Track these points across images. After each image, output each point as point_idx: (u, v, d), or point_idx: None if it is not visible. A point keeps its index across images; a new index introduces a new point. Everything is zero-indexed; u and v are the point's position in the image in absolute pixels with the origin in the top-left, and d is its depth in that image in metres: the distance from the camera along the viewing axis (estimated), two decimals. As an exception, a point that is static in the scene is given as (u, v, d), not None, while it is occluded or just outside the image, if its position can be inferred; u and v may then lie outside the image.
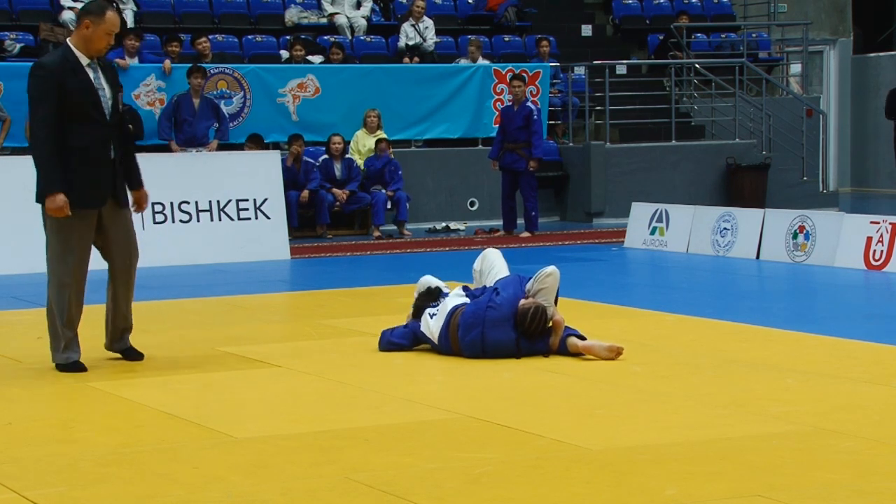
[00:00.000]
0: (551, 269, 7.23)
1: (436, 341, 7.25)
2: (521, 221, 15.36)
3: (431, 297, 7.52)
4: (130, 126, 14.33)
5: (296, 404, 6.27)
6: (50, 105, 6.81)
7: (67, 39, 7.09)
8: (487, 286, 7.38)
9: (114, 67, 7.32)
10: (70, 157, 6.86)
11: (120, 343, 7.27)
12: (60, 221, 6.87)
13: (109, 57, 14.89)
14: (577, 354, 7.11)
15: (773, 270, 11.88)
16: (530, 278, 7.24)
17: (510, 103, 15.31)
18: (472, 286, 7.63)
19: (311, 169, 15.21)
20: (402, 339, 7.43)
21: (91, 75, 6.93)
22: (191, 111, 14.80)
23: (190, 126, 14.78)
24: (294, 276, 12.28)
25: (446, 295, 7.46)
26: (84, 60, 6.93)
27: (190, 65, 15.10)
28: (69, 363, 6.97)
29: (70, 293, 6.95)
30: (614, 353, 7.03)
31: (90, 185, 6.93)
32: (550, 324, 7.16)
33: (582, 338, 7.17)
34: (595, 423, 5.68)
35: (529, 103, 15.18)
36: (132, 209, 7.24)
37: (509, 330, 7.06)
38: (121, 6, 16.36)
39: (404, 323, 7.59)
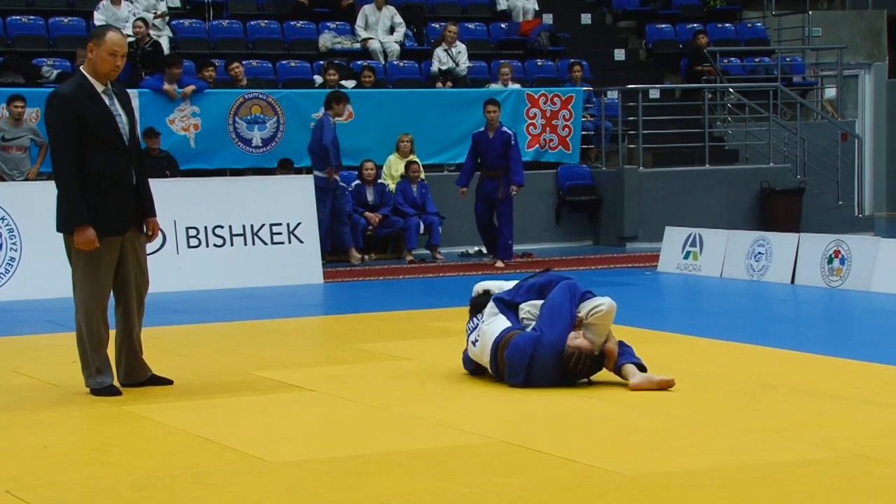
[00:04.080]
0: (607, 306, 6.90)
1: (488, 367, 7.16)
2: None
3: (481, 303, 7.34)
4: (168, 172, 14.44)
5: (329, 428, 6.27)
6: (69, 134, 6.81)
7: (80, 67, 7.08)
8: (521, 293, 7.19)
9: (126, 93, 7.30)
10: (94, 184, 6.86)
11: (138, 373, 7.17)
12: (89, 251, 6.87)
13: (148, 83, 15.16)
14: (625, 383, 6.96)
15: (808, 295, 11.80)
16: (583, 293, 6.98)
17: (484, 130, 14.58)
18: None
19: (343, 192, 15.25)
20: (466, 366, 7.39)
21: (107, 101, 6.94)
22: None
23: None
24: (327, 300, 12.30)
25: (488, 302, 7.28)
26: (99, 87, 6.93)
27: (228, 89, 15.17)
28: (103, 387, 6.98)
29: (97, 319, 6.96)
30: (665, 386, 6.84)
31: (116, 211, 6.93)
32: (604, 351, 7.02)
33: (641, 366, 6.94)
34: (629, 448, 5.65)
35: (506, 129, 14.55)
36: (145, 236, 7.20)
37: (555, 374, 6.91)
38: (157, 33, 16.51)
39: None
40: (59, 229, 7.00)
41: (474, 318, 7.29)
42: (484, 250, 15.98)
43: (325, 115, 14.69)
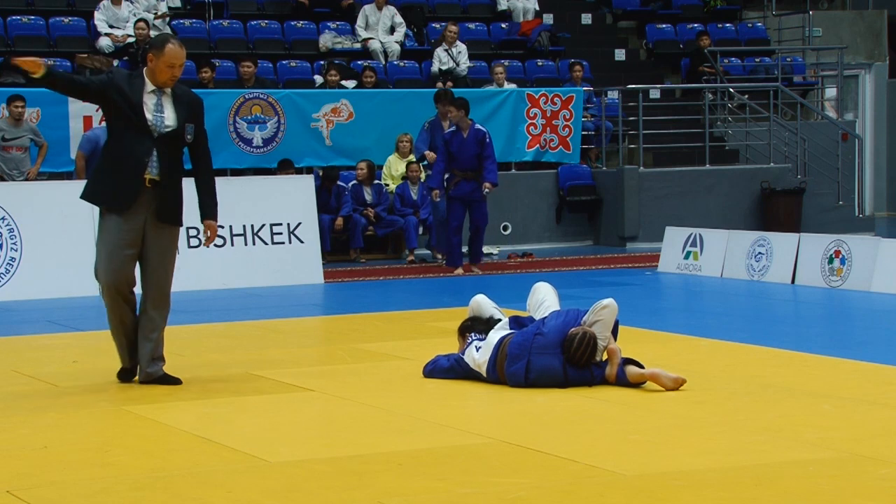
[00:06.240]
0: (608, 301, 7.01)
1: (483, 373, 7.12)
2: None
3: (482, 324, 7.38)
4: None
5: (329, 428, 6.27)
6: (90, 83, 7.24)
7: (144, 69, 7.31)
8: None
9: (190, 94, 7.39)
10: (110, 158, 7.18)
11: (150, 373, 7.26)
12: (102, 222, 7.15)
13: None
14: (637, 384, 6.91)
15: (808, 295, 11.80)
16: (587, 311, 7.06)
17: (455, 129, 13.75)
18: (524, 314, 7.50)
19: (343, 193, 15.27)
20: (446, 374, 7.29)
21: (146, 97, 7.12)
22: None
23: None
24: (327, 301, 12.30)
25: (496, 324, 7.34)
26: (149, 87, 7.16)
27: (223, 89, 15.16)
28: (118, 372, 7.35)
29: (108, 298, 7.16)
30: (679, 384, 6.84)
31: (121, 189, 7.13)
32: (605, 355, 6.99)
33: (640, 366, 6.94)
34: (629, 448, 5.65)
35: (479, 126, 13.95)
36: (201, 238, 7.45)
37: (556, 357, 6.90)
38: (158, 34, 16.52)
39: (450, 353, 7.43)
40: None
41: (471, 335, 7.30)
42: (485, 249, 15.87)
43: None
